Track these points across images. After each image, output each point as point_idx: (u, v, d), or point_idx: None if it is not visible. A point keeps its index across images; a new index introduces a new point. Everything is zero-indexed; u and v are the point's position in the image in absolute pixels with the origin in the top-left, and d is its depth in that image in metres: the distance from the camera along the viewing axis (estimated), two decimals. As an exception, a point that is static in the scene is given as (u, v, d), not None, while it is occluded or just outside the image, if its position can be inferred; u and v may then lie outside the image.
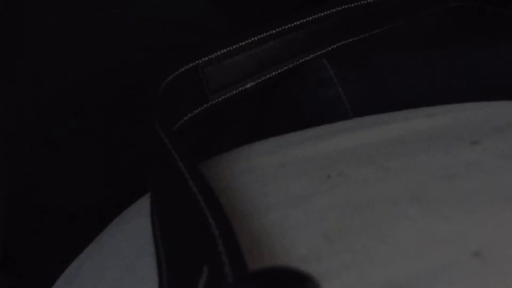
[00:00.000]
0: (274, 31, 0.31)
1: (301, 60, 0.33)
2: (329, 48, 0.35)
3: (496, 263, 0.15)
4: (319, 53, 0.34)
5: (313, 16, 0.33)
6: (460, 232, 0.17)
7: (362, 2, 0.34)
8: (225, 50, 0.30)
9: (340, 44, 0.35)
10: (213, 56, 0.30)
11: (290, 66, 0.33)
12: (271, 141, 0.25)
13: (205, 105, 0.30)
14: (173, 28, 0.34)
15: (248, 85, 0.32)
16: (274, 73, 0.33)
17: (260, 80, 0.32)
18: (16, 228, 0.29)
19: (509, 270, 0.15)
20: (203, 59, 0.29)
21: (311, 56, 0.34)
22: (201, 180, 0.18)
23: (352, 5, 0.35)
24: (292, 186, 0.20)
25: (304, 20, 0.32)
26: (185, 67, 0.29)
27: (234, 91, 0.31)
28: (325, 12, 0.33)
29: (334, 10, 0.33)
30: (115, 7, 0.32)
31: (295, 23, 0.32)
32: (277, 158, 0.22)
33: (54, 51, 0.31)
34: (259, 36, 0.31)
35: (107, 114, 0.30)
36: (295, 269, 0.14)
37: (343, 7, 0.34)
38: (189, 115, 0.30)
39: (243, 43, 0.31)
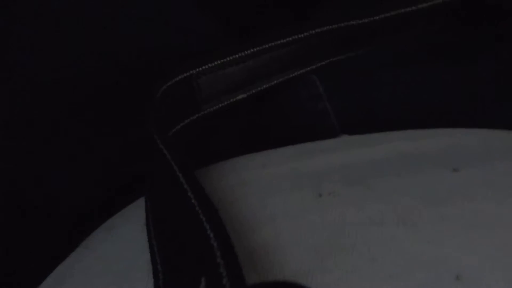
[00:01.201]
0: (267, 46, 0.32)
1: (292, 75, 0.34)
2: (319, 64, 0.36)
3: (475, 286, 0.16)
4: (310, 68, 0.35)
5: (305, 33, 0.34)
6: (442, 255, 0.18)
7: (352, 22, 0.35)
8: (219, 62, 0.31)
9: (330, 60, 0.36)
10: (207, 66, 0.30)
11: (281, 80, 0.34)
12: (263, 154, 0.26)
13: (196, 115, 0.31)
14: (166, 31, 0.34)
15: (240, 97, 0.33)
16: (265, 86, 0.33)
17: (251, 92, 0.33)
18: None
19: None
20: (197, 69, 0.30)
21: (302, 71, 0.35)
22: (200, 191, 0.18)
23: (342, 24, 0.36)
24: (285, 201, 0.21)
25: (296, 37, 0.33)
26: (180, 76, 0.29)
27: (226, 102, 0.32)
28: (316, 30, 0.34)
29: (325, 28, 0.34)
30: (108, 8, 0.33)
31: (288, 38, 0.33)
32: (270, 172, 0.23)
33: (48, 51, 0.31)
34: (252, 50, 0.32)
35: (101, 114, 0.30)
36: (295, 282, 0.14)
37: (334, 26, 0.35)
38: (181, 124, 0.30)
39: (237, 56, 0.31)
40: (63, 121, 0.30)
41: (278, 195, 0.21)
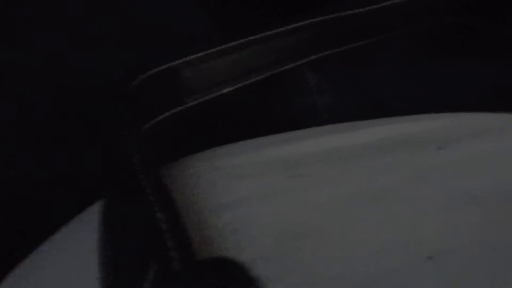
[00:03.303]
0: (252, 38, 0.31)
1: (280, 69, 0.33)
2: (310, 58, 0.35)
3: (448, 268, 0.15)
4: (299, 62, 0.34)
5: (294, 25, 0.33)
6: (416, 237, 0.16)
7: (343, 13, 0.34)
8: (202, 54, 0.30)
9: (321, 55, 0.35)
10: (189, 59, 0.29)
11: (269, 74, 0.33)
12: (240, 143, 0.25)
13: (179, 107, 0.30)
14: (157, 32, 0.34)
15: (225, 90, 0.32)
16: (252, 80, 0.33)
17: (237, 86, 0.32)
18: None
19: (460, 275, 0.15)
20: (178, 61, 0.29)
21: (291, 65, 0.34)
22: (154, 176, 0.17)
23: (334, 15, 0.35)
24: (252, 185, 0.20)
25: (284, 29, 0.32)
26: (160, 68, 0.28)
27: (210, 95, 0.31)
28: (306, 22, 0.33)
29: (315, 20, 0.33)
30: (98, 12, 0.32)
31: (275, 31, 0.32)
32: (243, 159, 0.22)
33: (36, 56, 0.31)
34: (237, 42, 0.31)
35: (81, 116, 0.30)
36: (229, 258, 0.14)
37: (324, 17, 0.34)
38: (162, 116, 0.29)
39: (221, 48, 0.30)
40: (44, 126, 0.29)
41: (247, 180, 0.20)
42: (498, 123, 0.22)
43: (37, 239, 0.24)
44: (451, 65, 0.32)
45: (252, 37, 0.31)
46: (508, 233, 0.16)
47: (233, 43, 0.31)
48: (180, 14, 0.35)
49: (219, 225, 0.18)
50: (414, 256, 0.16)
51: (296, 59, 0.34)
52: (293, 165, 0.21)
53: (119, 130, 0.22)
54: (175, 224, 0.15)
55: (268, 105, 0.33)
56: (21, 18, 0.31)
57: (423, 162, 0.20)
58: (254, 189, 0.19)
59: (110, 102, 0.25)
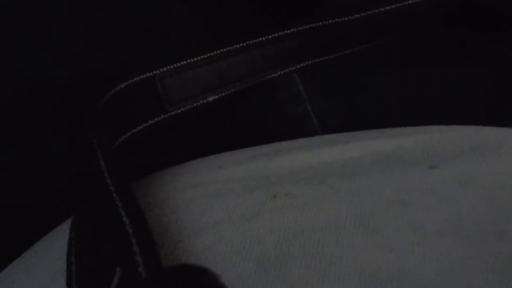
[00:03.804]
0: (238, 46, 0.31)
1: (267, 77, 0.33)
2: (298, 66, 0.34)
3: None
4: (288, 70, 0.34)
5: (280, 33, 0.32)
6: (404, 267, 0.16)
7: (330, 21, 0.34)
8: (185, 62, 0.29)
9: (308, 62, 0.35)
10: (172, 67, 0.29)
11: (257, 81, 0.32)
12: (224, 155, 0.24)
13: (162, 116, 0.29)
14: (155, 37, 0.33)
15: (210, 99, 0.31)
16: (238, 88, 0.32)
17: (223, 94, 0.31)
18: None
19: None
20: (161, 70, 0.28)
21: (278, 73, 0.33)
22: (121, 183, 0.17)
23: (321, 23, 0.34)
24: (234, 204, 0.19)
25: (270, 37, 0.32)
26: (141, 76, 0.28)
27: (194, 104, 0.30)
28: (293, 30, 0.32)
29: (302, 28, 0.32)
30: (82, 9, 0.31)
31: (261, 39, 0.31)
32: (225, 174, 0.21)
33: (5, 56, 0.30)
34: (222, 50, 0.30)
35: (57, 120, 0.29)
36: (196, 265, 0.13)
37: (312, 25, 0.33)
38: (144, 124, 0.29)
39: (205, 56, 0.30)
40: (17, 127, 0.28)
41: (228, 198, 0.19)
42: (497, 138, 0.21)
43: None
44: (447, 72, 0.32)
45: (238, 45, 0.31)
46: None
47: (219, 51, 0.30)
48: (171, 20, 0.34)
49: (197, 250, 0.17)
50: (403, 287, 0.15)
51: (285, 66, 0.33)
52: (279, 183, 0.20)
53: (92, 141, 0.21)
54: (141, 229, 0.15)
55: (256, 113, 0.32)
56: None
57: (412, 183, 0.19)
58: (236, 209, 0.19)
59: (85, 111, 0.24)
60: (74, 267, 0.16)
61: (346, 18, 0.34)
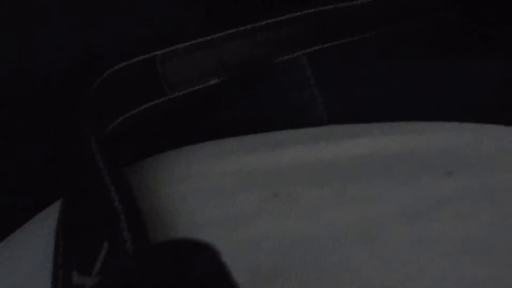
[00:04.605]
0: (241, 29, 0.29)
1: (272, 62, 0.32)
2: (305, 51, 0.33)
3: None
4: (293, 55, 0.32)
5: (287, 16, 0.31)
6: (409, 284, 0.15)
7: (341, 5, 0.32)
8: (187, 44, 0.28)
9: (316, 48, 0.33)
10: (173, 49, 0.28)
11: (259, 66, 0.31)
12: (221, 143, 0.23)
13: (161, 99, 0.29)
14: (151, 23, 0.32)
15: (211, 82, 0.30)
16: (240, 72, 0.31)
17: (224, 79, 0.30)
18: None
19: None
20: (161, 51, 0.27)
21: (285, 57, 0.32)
22: (112, 165, 0.16)
23: (331, 7, 0.33)
24: (230, 202, 0.18)
25: (276, 20, 0.30)
26: (140, 58, 0.27)
27: (195, 87, 0.30)
28: (300, 13, 0.31)
29: (309, 11, 0.31)
30: None
31: (266, 22, 0.30)
32: (221, 166, 0.20)
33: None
34: (225, 33, 0.29)
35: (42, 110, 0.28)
36: (194, 239, 0.13)
37: (320, 8, 0.32)
38: (144, 106, 0.28)
39: (207, 38, 0.29)
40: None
41: (225, 195, 0.19)
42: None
43: None
44: (459, 63, 0.30)
45: (242, 28, 0.29)
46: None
47: (222, 33, 0.29)
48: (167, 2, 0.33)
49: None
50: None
51: (289, 51, 0.32)
52: (281, 180, 0.19)
53: (84, 125, 0.21)
54: (130, 207, 0.15)
55: (259, 99, 0.31)
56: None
57: (427, 192, 0.17)
58: (232, 208, 0.18)
59: (76, 94, 0.23)
60: (62, 242, 0.16)
61: (358, 2, 0.33)
